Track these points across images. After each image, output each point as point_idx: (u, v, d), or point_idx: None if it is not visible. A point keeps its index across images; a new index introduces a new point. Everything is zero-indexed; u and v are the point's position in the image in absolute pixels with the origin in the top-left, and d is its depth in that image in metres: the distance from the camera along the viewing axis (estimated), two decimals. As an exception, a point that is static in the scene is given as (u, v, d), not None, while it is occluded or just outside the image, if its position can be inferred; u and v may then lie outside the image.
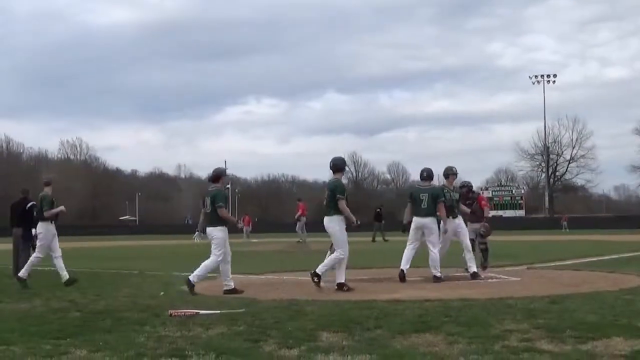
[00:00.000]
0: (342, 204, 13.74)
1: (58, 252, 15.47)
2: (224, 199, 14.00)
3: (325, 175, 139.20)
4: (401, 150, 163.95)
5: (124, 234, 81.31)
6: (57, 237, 15.74)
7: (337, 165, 14.30)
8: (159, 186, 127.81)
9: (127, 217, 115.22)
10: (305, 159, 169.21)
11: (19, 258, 18.96)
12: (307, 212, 40.44)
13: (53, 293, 13.74)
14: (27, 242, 19.04)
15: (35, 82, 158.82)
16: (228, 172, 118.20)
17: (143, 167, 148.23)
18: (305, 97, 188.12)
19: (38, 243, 15.75)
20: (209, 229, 13.98)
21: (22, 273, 15.32)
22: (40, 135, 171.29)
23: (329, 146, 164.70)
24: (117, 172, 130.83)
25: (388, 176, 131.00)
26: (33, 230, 19.18)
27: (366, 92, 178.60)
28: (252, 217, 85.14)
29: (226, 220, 13.91)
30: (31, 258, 15.59)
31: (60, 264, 15.44)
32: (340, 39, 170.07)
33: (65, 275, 15.32)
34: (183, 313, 10.25)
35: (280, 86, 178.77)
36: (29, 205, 19.30)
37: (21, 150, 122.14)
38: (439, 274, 14.97)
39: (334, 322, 9.35)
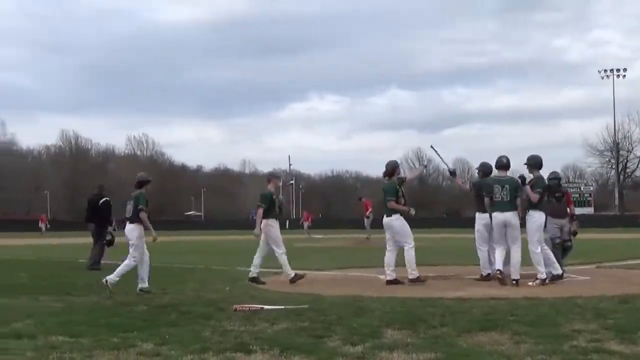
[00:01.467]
0: (536, 197, 13.86)
1: (282, 249, 14.97)
2: (394, 192, 14.23)
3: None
4: (465, 147, 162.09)
5: (189, 229, 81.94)
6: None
7: (539, 163, 14.31)
8: (224, 182, 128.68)
9: (192, 212, 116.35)
10: (369, 155, 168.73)
11: (92, 252, 19.27)
12: (372, 209, 40.35)
13: (120, 287, 13.90)
14: (100, 237, 19.34)
15: (102, 79, 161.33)
16: (292, 167, 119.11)
17: (208, 163, 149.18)
18: (368, 93, 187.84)
19: (271, 238, 15.12)
20: (386, 220, 14.31)
21: (287, 272, 14.91)
22: (107, 132, 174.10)
23: (392, 142, 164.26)
24: (183, 168, 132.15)
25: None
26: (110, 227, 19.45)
27: (428, 88, 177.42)
28: (316, 213, 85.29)
29: (397, 210, 14.21)
30: (278, 255, 14.98)
31: (284, 260, 14.98)
32: (402, 34, 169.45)
33: (288, 271, 14.90)
34: (248, 308, 10.30)
35: (343, 82, 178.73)
36: (102, 201, 19.60)
37: (89, 146, 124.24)
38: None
39: (399, 319, 9.30)
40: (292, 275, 14.72)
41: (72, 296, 12.49)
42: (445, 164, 16.36)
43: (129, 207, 13.42)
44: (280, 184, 14.96)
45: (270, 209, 14.94)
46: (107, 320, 9.49)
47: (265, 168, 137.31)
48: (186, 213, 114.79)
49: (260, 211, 14.80)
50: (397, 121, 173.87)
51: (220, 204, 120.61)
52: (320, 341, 7.86)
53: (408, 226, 14.39)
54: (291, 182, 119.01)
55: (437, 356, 6.97)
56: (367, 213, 39.39)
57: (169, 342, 7.77)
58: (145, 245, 13.33)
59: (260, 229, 14.79)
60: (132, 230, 13.29)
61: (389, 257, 14.32)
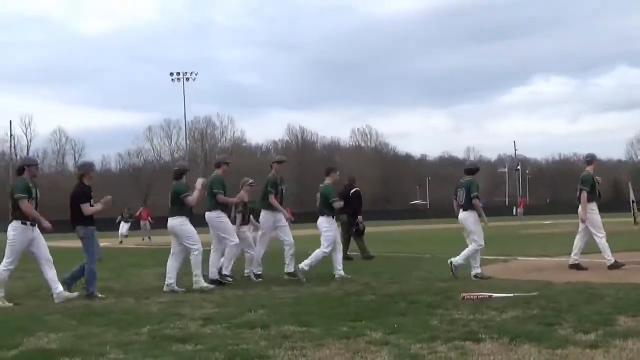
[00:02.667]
0: None
1: (603, 233, 14.61)
2: None
3: (620, 152, 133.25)
4: None
5: (415, 219, 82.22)
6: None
7: None
8: (449, 170, 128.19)
9: (418, 201, 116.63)
10: (598, 138, 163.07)
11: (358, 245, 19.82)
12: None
13: (352, 277, 14.16)
14: (350, 227, 19.89)
15: (326, 74, 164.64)
16: (518, 153, 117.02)
17: (432, 152, 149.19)
18: (595, 73, 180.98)
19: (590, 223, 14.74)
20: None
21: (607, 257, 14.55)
22: (332, 125, 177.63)
23: (622, 123, 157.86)
24: (407, 158, 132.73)
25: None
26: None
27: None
28: (543, 199, 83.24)
29: None
30: (598, 240, 14.56)
31: (604, 244, 14.55)
32: (630, 9, 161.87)
33: (608, 256, 14.48)
34: (476, 296, 10.24)
35: (568, 63, 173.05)
36: (352, 191, 20.18)
37: (315, 140, 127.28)
38: None
39: (633, 305, 8.99)
40: (613, 261, 14.35)
41: (302, 287, 12.85)
42: None
43: (461, 194, 13.77)
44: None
45: (593, 192, 14.73)
46: (336, 310, 9.72)
47: (490, 155, 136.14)
48: (412, 202, 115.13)
49: (585, 195, 14.60)
50: (627, 101, 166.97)
51: (445, 192, 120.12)
52: (551, 329, 7.71)
53: None
54: (518, 168, 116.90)
55: (675, 344, 6.67)
56: None
57: (397, 331, 7.84)
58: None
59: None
60: (466, 218, 13.74)
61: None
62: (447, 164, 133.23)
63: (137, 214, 44.38)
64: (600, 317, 8.24)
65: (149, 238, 41.12)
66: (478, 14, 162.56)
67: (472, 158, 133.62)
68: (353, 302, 10.59)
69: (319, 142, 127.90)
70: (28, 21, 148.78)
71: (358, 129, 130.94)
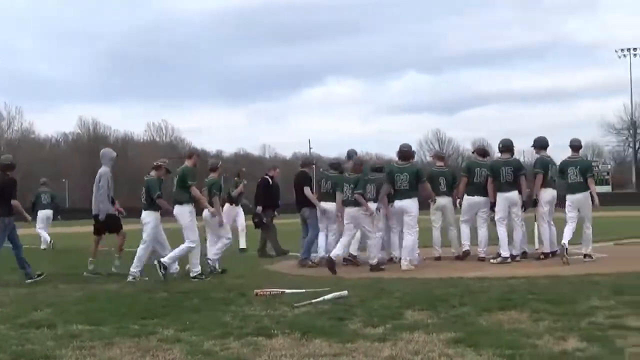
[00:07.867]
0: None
1: None
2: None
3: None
4: (485, 127, 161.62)
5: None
6: None
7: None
8: (244, 166, 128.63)
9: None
10: (388, 137, 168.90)
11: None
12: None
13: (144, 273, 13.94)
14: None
15: (123, 67, 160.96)
16: (313, 150, 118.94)
17: (228, 148, 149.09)
18: (386, 77, 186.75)
19: None
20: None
21: None
22: (126, 119, 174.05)
23: (411, 124, 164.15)
24: (203, 153, 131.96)
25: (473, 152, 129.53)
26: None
27: (447, 72, 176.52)
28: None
29: None
30: None
31: None
32: (423, 18, 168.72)
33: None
34: (268, 292, 10.34)
35: (361, 67, 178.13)
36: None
37: (108, 133, 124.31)
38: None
39: (419, 300, 9.33)
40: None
41: (92, 284, 12.55)
42: None
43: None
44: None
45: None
46: (128, 307, 9.55)
47: (284, 151, 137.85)
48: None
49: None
50: (415, 104, 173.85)
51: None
52: (341, 323, 7.91)
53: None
54: (313, 164, 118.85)
55: (458, 336, 6.99)
56: None
57: (190, 328, 7.82)
58: None
59: None
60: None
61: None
62: (243, 160, 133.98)
63: None
64: (388, 311, 8.52)
65: None
66: (278, 15, 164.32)
67: (267, 155, 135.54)
68: (145, 299, 10.44)
69: (111, 135, 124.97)
70: None
71: (153, 123, 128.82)
